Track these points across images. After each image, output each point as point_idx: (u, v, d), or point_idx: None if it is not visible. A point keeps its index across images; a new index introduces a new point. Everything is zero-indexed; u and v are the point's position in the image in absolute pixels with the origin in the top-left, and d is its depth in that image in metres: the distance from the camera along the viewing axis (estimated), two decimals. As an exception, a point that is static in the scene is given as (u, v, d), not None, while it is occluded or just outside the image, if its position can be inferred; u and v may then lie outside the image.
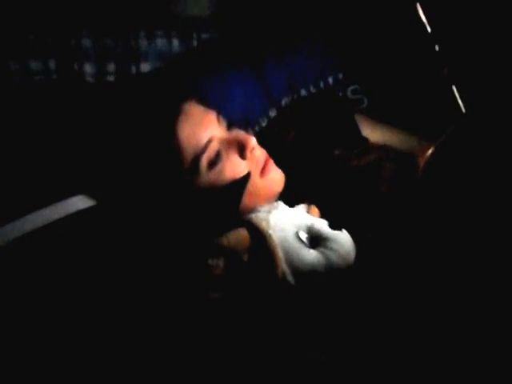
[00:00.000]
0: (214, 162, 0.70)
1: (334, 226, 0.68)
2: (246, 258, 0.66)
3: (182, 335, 0.65)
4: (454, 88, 0.81)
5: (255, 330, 0.63)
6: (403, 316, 0.62)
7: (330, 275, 0.66)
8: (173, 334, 0.65)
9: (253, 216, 0.69)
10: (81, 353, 0.68)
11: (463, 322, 0.61)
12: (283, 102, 0.92)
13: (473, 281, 0.62)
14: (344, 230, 0.69)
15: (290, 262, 0.65)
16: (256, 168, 0.72)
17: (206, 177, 0.70)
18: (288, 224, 0.68)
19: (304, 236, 0.68)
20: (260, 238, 0.66)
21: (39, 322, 0.70)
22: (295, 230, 0.68)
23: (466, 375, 0.59)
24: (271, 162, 0.74)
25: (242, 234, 0.67)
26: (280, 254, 0.65)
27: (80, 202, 0.79)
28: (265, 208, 0.70)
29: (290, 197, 0.74)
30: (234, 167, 0.70)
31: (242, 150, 0.71)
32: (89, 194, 0.77)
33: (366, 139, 0.75)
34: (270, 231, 0.67)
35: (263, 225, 0.67)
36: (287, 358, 0.62)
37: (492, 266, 0.63)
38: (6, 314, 0.70)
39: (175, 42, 1.01)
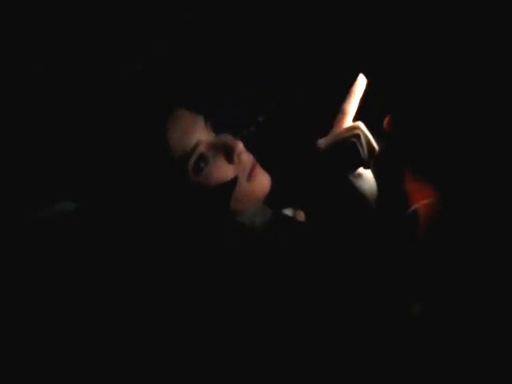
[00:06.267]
0: (201, 166, 0.70)
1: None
2: (233, 261, 0.67)
3: (179, 336, 0.65)
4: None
5: (254, 329, 0.64)
6: (402, 315, 0.63)
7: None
8: (170, 335, 0.65)
9: (239, 219, 0.70)
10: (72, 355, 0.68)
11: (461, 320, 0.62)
12: (271, 107, 0.93)
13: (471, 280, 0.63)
14: None
15: (276, 264, 0.66)
16: (243, 172, 0.72)
17: (194, 181, 0.70)
18: (273, 227, 0.69)
19: (289, 239, 0.68)
20: (246, 241, 0.67)
21: (32, 324, 0.70)
22: (280, 233, 0.68)
23: (466, 375, 0.60)
24: (258, 166, 0.74)
25: (228, 237, 0.67)
26: (266, 257, 0.66)
27: (69, 207, 0.79)
28: (251, 211, 0.71)
29: (276, 201, 0.75)
30: (220, 171, 0.71)
31: (229, 154, 0.72)
32: (76, 197, 0.77)
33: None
34: (256, 234, 0.67)
35: (250, 228, 0.68)
36: (287, 358, 0.63)
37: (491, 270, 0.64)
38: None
39: (166, 47, 1.02)
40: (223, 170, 0.71)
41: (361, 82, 0.73)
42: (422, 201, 0.71)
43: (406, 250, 0.67)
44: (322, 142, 0.70)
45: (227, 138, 0.74)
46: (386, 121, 0.75)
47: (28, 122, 0.91)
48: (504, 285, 0.63)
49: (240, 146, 0.72)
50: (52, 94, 0.95)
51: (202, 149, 0.70)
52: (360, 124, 0.70)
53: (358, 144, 0.67)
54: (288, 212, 0.77)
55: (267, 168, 0.75)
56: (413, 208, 0.70)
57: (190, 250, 0.69)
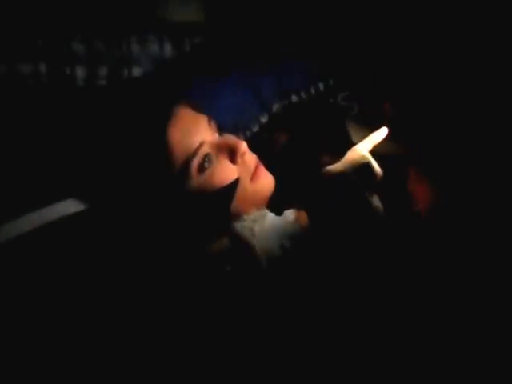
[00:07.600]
0: (205, 166, 0.70)
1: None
2: (228, 267, 0.66)
3: (180, 340, 0.65)
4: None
5: (251, 332, 0.63)
6: (400, 317, 0.63)
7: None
8: (170, 339, 0.65)
9: (238, 225, 0.69)
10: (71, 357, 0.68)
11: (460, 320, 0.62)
12: (274, 108, 0.93)
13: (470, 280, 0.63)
14: None
15: (275, 271, 0.66)
16: (246, 173, 0.72)
17: (196, 181, 0.69)
18: (273, 233, 0.68)
19: (288, 245, 0.68)
20: (244, 248, 0.67)
21: (27, 327, 0.70)
22: (280, 239, 0.68)
23: (466, 375, 0.60)
24: (262, 167, 0.74)
25: (225, 243, 0.67)
26: (264, 264, 0.66)
27: (70, 206, 0.78)
28: (250, 216, 0.70)
29: (279, 202, 0.75)
30: (224, 172, 0.71)
31: (232, 154, 0.71)
32: (79, 197, 0.77)
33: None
34: (255, 241, 0.67)
35: (248, 235, 0.68)
36: (291, 359, 0.62)
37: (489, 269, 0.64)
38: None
39: (167, 47, 1.02)
40: (226, 171, 0.71)
41: (382, 132, 0.77)
42: (425, 201, 0.71)
43: (410, 250, 0.67)
44: (332, 169, 0.74)
45: (231, 138, 0.73)
46: (385, 106, 0.76)
47: (28, 121, 0.91)
48: (506, 285, 0.64)
49: (244, 146, 0.72)
50: (54, 94, 0.95)
51: (206, 149, 0.70)
52: (367, 154, 0.74)
53: (371, 165, 0.72)
54: (290, 213, 0.77)
55: (271, 169, 0.75)
56: (416, 208, 0.71)
57: (189, 254, 0.69)
